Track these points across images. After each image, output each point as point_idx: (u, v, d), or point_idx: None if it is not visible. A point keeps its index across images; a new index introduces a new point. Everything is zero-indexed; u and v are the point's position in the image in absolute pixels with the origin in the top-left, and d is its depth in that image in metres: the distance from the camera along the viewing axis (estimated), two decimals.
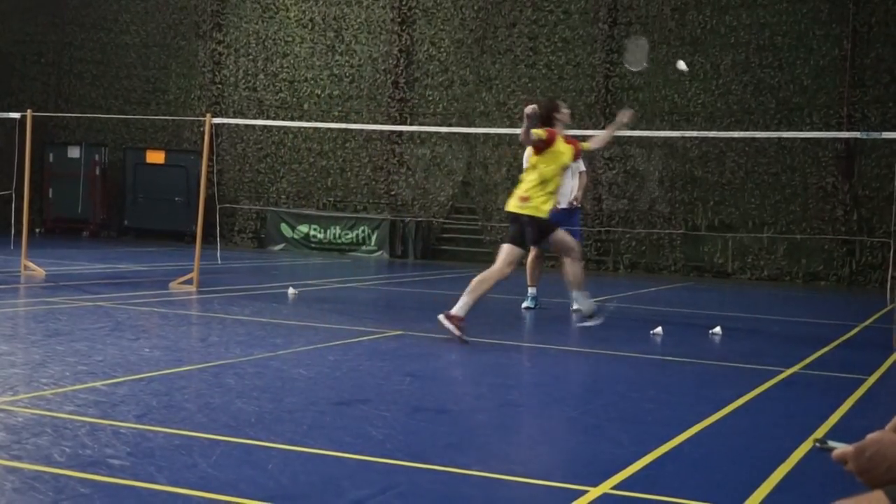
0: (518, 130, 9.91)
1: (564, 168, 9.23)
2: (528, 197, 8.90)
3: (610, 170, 19.19)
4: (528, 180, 8.99)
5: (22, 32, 24.12)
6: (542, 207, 8.92)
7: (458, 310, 8.51)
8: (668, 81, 19.09)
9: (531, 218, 8.89)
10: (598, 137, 10.13)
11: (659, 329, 9.54)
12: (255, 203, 22.04)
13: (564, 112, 9.41)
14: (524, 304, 11.44)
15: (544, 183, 8.94)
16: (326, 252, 20.55)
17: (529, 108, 8.47)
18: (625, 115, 9.69)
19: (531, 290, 11.46)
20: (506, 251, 8.84)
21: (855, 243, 17.93)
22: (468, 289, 8.59)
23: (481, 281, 8.64)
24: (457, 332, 8.38)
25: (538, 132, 8.83)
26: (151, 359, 6.93)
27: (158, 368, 6.55)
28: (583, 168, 11.55)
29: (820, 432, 5.51)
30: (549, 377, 7.48)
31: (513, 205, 9.00)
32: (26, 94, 23.48)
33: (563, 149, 9.08)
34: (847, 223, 17.96)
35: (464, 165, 20.46)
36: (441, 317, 8.51)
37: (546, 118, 9.01)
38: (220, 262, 15.24)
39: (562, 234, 9.36)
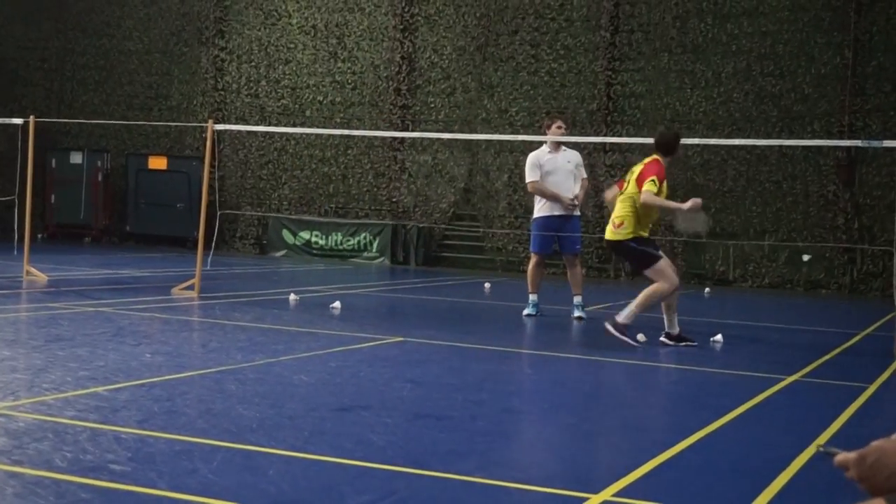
0: (520, 138, 10.10)
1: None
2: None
3: (612, 177, 19.17)
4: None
5: (24, 38, 24.15)
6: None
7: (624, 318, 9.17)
8: (669, 89, 19.11)
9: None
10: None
11: (641, 336, 9.53)
12: (256, 209, 22.05)
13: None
14: (525, 311, 11.44)
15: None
16: (328, 258, 20.55)
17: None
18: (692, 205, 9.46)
19: (532, 297, 11.45)
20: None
21: (856, 251, 17.92)
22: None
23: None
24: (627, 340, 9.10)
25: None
26: (153, 364, 6.94)
27: (160, 374, 6.56)
28: (585, 175, 11.51)
29: (821, 440, 5.51)
30: (549, 384, 7.47)
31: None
32: (29, 99, 23.50)
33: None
34: (848, 231, 17.96)
35: (465, 172, 20.47)
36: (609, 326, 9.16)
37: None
38: (209, 267, 15.23)
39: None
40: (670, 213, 10.38)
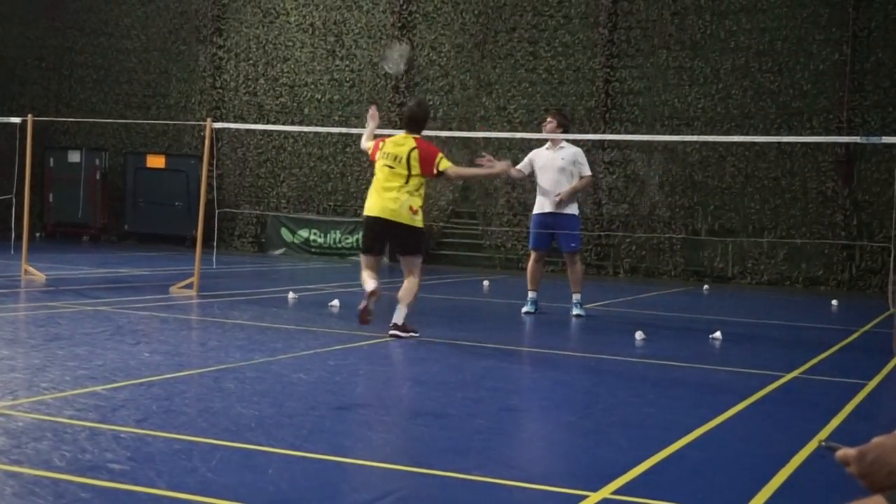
0: (518, 135, 10.10)
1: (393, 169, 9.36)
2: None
3: (610, 174, 19.19)
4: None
5: (22, 37, 24.13)
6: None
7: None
8: (668, 86, 19.10)
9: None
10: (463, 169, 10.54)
11: (639, 334, 9.52)
12: (255, 207, 22.04)
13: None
14: (524, 309, 11.44)
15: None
16: (327, 256, 20.54)
17: None
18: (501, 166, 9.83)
19: (531, 295, 11.46)
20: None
21: (855, 248, 17.93)
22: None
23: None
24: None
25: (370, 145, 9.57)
26: (152, 363, 6.93)
27: (159, 373, 6.55)
28: (587, 172, 11.47)
29: (821, 437, 5.51)
30: (548, 381, 7.47)
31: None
32: (27, 98, 23.49)
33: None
34: (847, 228, 17.96)
35: None
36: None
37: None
38: (214, 265, 15.23)
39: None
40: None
